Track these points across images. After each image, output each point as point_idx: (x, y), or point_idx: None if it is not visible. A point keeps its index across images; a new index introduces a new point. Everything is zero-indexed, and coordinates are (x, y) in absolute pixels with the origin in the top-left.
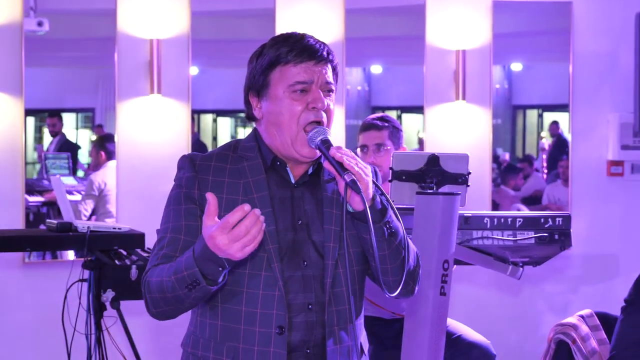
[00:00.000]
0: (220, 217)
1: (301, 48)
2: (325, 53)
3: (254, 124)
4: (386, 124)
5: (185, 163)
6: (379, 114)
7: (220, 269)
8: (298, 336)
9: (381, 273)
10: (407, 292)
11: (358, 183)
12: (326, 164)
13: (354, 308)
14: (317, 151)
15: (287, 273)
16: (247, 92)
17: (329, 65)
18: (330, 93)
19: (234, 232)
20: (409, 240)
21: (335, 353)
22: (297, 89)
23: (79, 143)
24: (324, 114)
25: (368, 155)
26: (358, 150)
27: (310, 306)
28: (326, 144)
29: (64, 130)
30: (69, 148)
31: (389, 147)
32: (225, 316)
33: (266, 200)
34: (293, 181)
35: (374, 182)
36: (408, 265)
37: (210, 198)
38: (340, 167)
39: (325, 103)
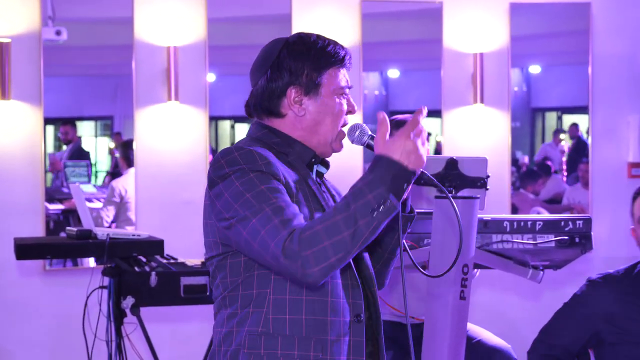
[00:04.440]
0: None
1: (348, 54)
2: None
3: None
4: None
5: (251, 155)
6: (406, 115)
7: (405, 184)
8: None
9: (387, 265)
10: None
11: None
12: None
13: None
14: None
15: None
16: (286, 87)
17: None
18: None
19: (417, 132)
20: None
21: None
22: (343, 92)
23: (97, 151)
24: None
25: None
26: None
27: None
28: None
29: (82, 138)
30: (82, 155)
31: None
32: (312, 309)
33: (321, 195)
34: (314, 177)
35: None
36: None
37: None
38: None
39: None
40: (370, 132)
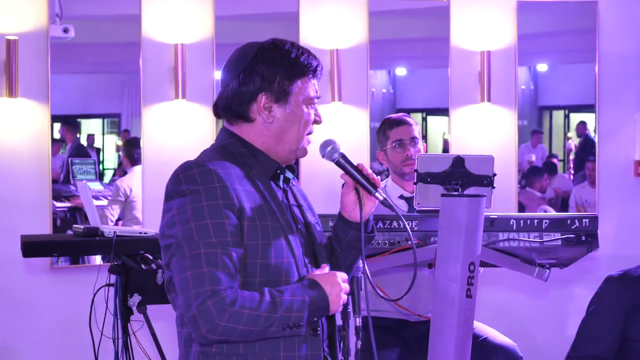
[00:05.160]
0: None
1: (320, 65)
2: None
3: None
4: (413, 121)
5: (209, 176)
6: (400, 114)
7: (318, 319)
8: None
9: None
10: None
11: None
12: (346, 177)
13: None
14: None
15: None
16: (257, 93)
17: None
18: None
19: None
20: None
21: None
22: (312, 102)
23: (105, 148)
24: None
25: (405, 148)
26: (389, 145)
27: None
28: (345, 158)
29: (85, 137)
30: (81, 153)
31: (420, 141)
32: None
33: (282, 208)
34: (282, 185)
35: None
36: None
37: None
38: (367, 181)
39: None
40: (341, 151)
